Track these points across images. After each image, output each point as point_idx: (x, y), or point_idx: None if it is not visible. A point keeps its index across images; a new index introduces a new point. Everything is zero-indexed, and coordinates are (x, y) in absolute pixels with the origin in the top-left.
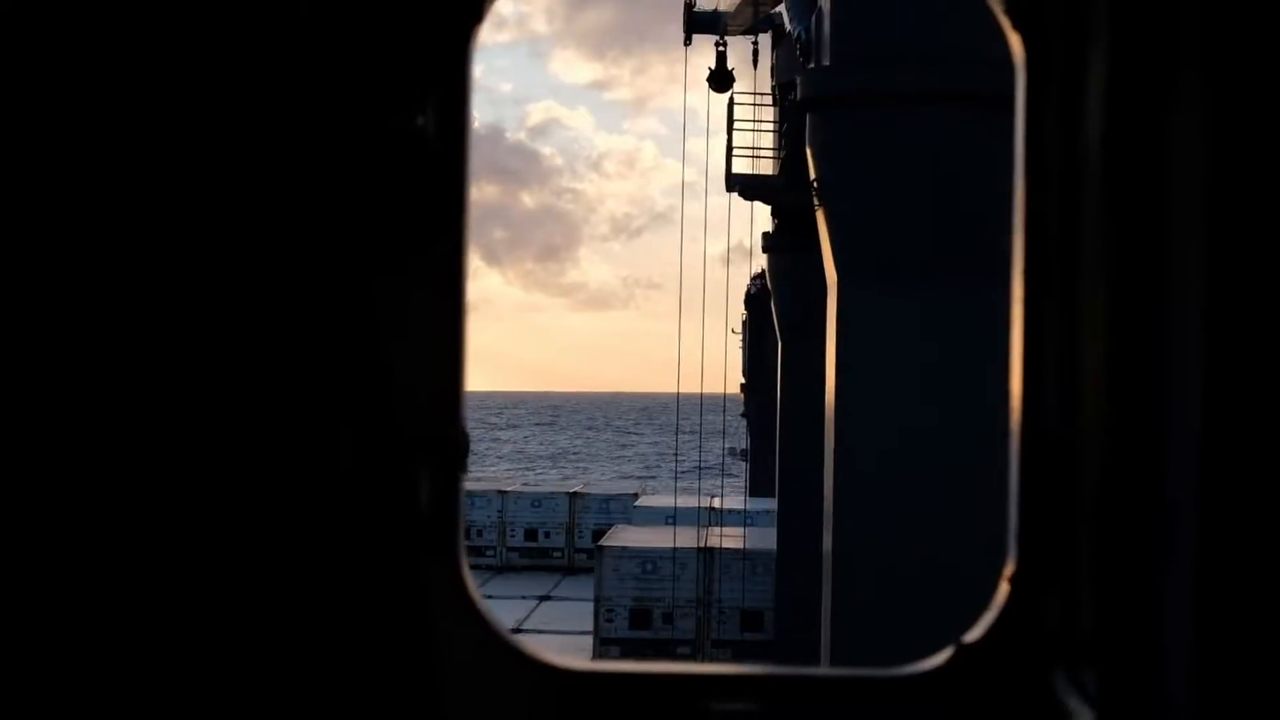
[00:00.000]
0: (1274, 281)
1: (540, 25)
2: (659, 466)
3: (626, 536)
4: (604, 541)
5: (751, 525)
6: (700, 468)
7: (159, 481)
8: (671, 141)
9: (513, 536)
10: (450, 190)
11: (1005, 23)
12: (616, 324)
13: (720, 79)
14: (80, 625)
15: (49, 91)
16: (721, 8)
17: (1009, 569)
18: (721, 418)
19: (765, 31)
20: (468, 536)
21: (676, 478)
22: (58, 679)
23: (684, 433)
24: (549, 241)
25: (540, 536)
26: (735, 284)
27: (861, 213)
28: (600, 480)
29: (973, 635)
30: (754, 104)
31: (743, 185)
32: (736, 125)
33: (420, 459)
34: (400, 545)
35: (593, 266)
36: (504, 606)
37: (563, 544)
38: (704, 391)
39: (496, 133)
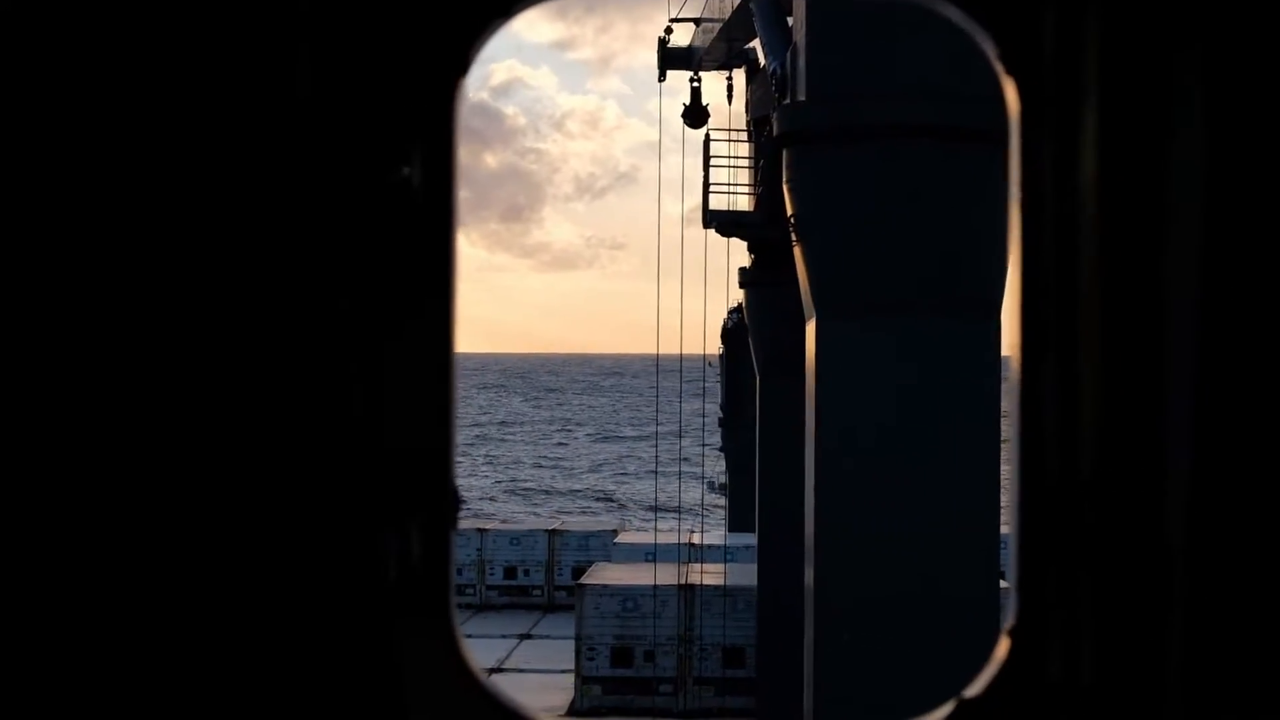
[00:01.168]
0: (1269, 327)
1: None
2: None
3: (607, 574)
4: (584, 580)
5: (732, 561)
6: (680, 434)
7: (141, 537)
8: (634, 100)
9: (492, 575)
10: (438, 242)
11: (1000, 69)
12: (580, 284)
13: (695, 115)
14: (60, 656)
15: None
16: (696, 43)
17: (1009, 622)
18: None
19: (740, 67)
20: None
21: (655, 520)
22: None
23: (656, 396)
24: (513, 202)
25: (519, 574)
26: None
27: (838, 248)
28: (574, 512)
29: (973, 690)
30: (729, 139)
31: (719, 222)
32: (712, 161)
33: (411, 515)
34: (391, 603)
35: (557, 227)
36: (484, 645)
37: (542, 582)
38: (683, 353)
39: None
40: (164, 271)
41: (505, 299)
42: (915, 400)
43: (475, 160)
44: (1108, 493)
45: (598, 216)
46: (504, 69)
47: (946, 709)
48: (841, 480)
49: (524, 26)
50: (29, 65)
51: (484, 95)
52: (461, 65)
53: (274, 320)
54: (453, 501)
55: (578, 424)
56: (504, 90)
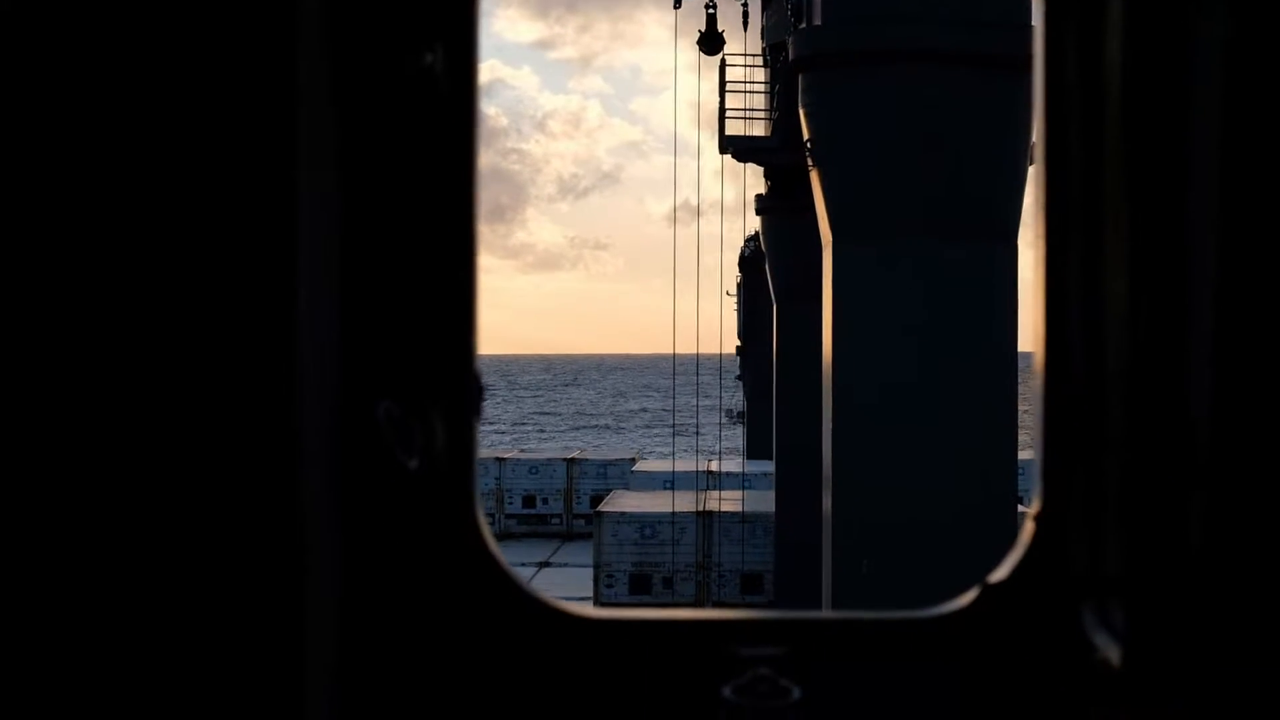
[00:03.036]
0: None
1: None
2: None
3: (624, 502)
4: (602, 507)
5: (750, 488)
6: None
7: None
8: (616, 100)
9: (510, 504)
10: (461, 130)
11: None
12: (565, 285)
13: (711, 41)
14: (77, 622)
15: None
16: None
17: (1035, 508)
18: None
19: None
20: None
21: (674, 438)
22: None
23: (663, 395)
24: (496, 203)
25: (538, 503)
26: (708, 245)
27: (855, 173)
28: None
29: (998, 575)
30: (745, 65)
31: (736, 148)
32: (728, 87)
33: (433, 405)
34: (416, 492)
35: (540, 228)
36: None
37: (560, 510)
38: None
39: None
40: (181, 167)
41: (492, 301)
42: (932, 324)
43: None
44: (1132, 382)
45: (581, 217)
46: (486, 69)
47: (971, 594)
48: (858, 406)
49: (505, 26)
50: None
51: None
52: None
53: (293, 209)
54: (476, 390)
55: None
56: (486, 91)
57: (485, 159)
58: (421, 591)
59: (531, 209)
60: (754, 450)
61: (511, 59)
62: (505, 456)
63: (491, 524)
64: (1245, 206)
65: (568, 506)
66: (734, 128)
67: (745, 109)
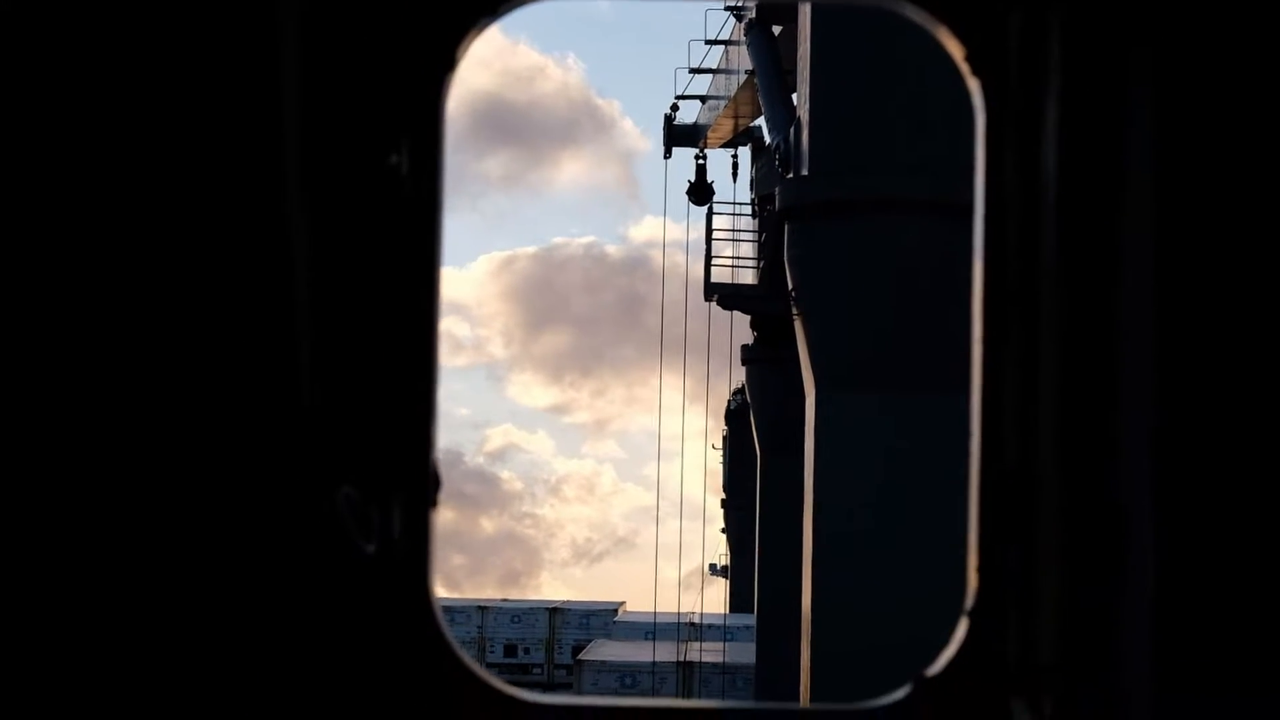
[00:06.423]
0: (1218, 304)
1: (497, 349)
2: None
3: (606, 651)
4: (583, 656)
5: (732, 640)
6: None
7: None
8: (630, 465)
9: (492, 653)
10: (425, 227)
11: (965, 69)
12: None
13: (700, 191)
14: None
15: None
16: (701, 120)
17: (969, 602)
18: None
19: (745, 145)
20: None
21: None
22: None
23: None
24: (510, 567)
25: (519, 652)
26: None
27: (837, 321)
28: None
29: (934, 669)
30: (734, 214)
31: (721, 294)
32: (715, 235)
33: (392, 492)
34: (372, 577)
35: (554, 591)
36: None
37: (542, 660)
38: None
39: (455, 457)
40: (156, 253)
41: None
42: (912, 473)
43: (472, 526)
44: (1063, 476)
45: (596, 582)
46: (500, 433)
47: (906, 688)
48: (838, 554)
49: (519, 391)
50: (27, 65)
51: (480, 460)
52: (449, 62)
53: (262, 299)
54: (433, 481)
55: None
56: (500, 456)
57: (499, 523)
58: (377, 675)
59: (546, 573)
60: (737, 604)
61: (526, 423)
62: (487, 605)
63: None
64: (1177, 301)
65: (549, 656)
66: (720, 275)
67: (733, 256)
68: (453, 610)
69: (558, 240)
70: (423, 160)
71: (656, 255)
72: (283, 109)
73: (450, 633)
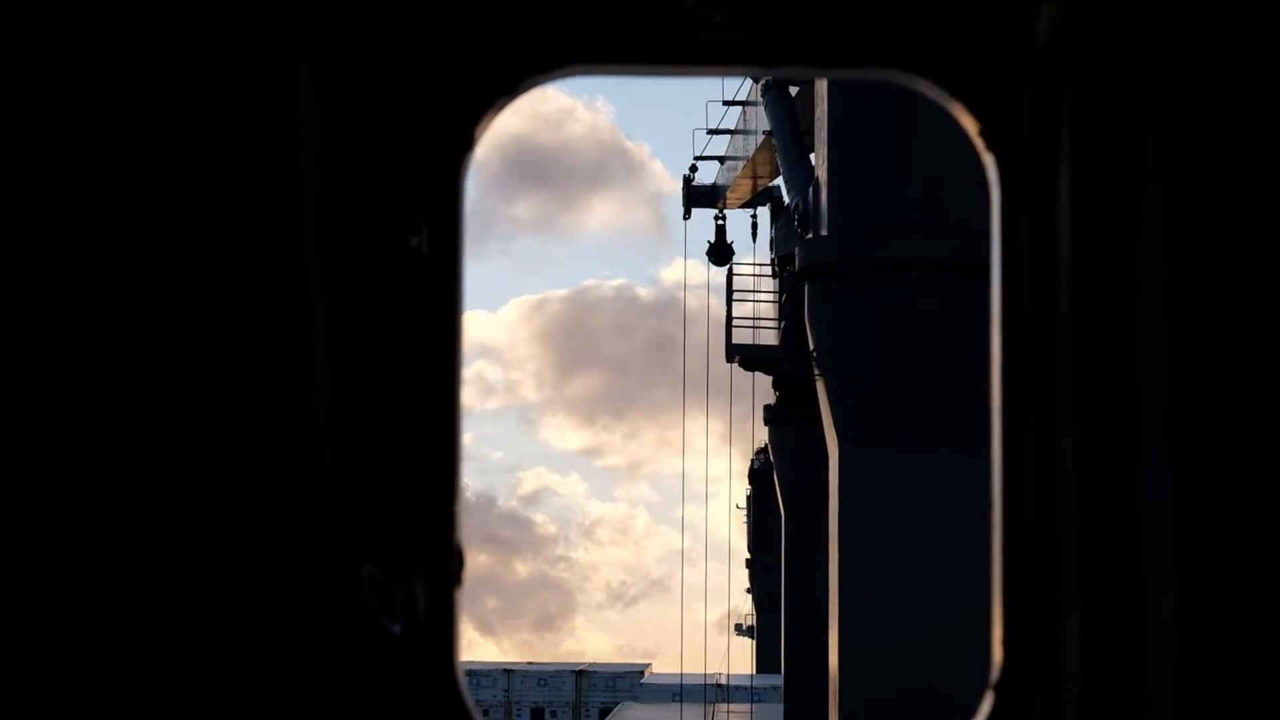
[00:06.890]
0: (1238, 383)
1: (529, 392)
2: None
3: (633, 714)
4: (611, 719)
5: (760, 701)
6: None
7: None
8: (663, 507)
9: (519, 716)
10: (445, 308)
11: (980, 144)
12: None
13: (720, 252)
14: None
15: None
16: (720, 181)
17: (994, 676)
18: None
19: (764, 205)
20: None
21: (683, 652)
22: None
23: None
24: (544, 611)
25: (547, 716)
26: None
27: (859, 381)
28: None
29: None
30: (754, 274)
31: (742, 355)
32: (736, 297)
33: (416, 569)
34: (397, 656)
35: (589, 635)
36: None
37: None
38: None
39: (488, 501)
40: (178, 335)
41: None
42: (935, 532)
43: (506, 569)
44: (1086, 550)
45: (630, 625)
46: (533, 476)
47: None
48: (864, 614)
49: (552, 434)
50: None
51: (513, 504)
52: (468, 142)
53: (283, 383)
54: (457, 556)
55: None
56: (533, 499)
57: (533, 566)
58: None
59: (580, 617)
60: (763, 664)
61: (559, 467)
62: (513, 668)
63: None
64: (1193, 378)
65: (577, 719)
66: (741, 336)
67: (754, 317)
68: (479, 674)
69: (589, 283)
70: (443, 241)
71: (689, 297)
72: (302, 193)
73: (478, 712)
